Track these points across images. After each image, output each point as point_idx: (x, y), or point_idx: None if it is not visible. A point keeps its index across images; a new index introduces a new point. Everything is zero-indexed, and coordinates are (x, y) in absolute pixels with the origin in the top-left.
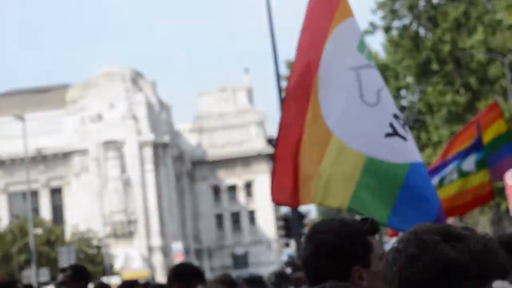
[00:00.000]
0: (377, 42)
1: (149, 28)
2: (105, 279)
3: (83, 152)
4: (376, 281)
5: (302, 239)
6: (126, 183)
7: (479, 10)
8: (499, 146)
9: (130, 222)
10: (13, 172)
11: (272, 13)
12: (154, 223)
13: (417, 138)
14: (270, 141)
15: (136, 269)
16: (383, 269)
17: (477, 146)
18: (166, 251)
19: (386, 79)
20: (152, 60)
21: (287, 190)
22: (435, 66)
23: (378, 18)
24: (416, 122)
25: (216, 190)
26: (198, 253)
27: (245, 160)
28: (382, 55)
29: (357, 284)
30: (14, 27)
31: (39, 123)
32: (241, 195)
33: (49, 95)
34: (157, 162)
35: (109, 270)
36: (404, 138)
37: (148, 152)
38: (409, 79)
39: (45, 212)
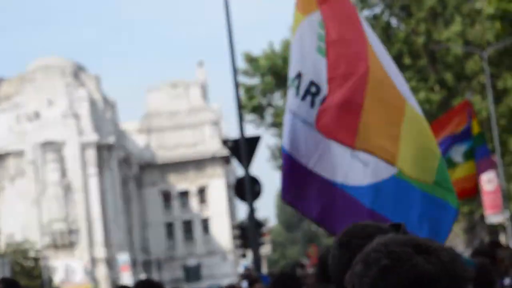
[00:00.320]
0: None
1: (92, 17)
2: None
3: (19, 154)
4: None
5: (260, 249)
6: (67, 189)
7: None
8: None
9: (71, 231)
10: None
11: (228, 0)
12: (97, 232)
13: None
14: (225, 142)
15: (77, 283)
16: (348, 280)
17: (465, 134)
18: (111, 263)
19: None
20: (96, 53)
21: (342, 126)
22: (407, 60)
23: None
24: None
25: (166, 196)
26: (146, 265)
27: (199, 163)
28: None
29: None
30: None
31: None
32: (193, 202)
33: None
34: (101, 166)
35: (47, 284)
36: None
37: (91, 154)
38: None
39: None
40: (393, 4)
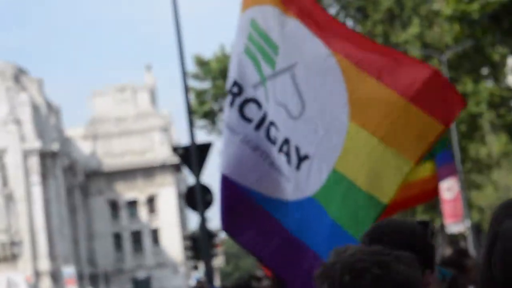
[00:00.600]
0: None
1: (34, 17)
2: None
3: None
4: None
5: (213, 261)
6: (8, 198)
7: None
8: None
9: (14, 243)
10: None
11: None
12: (41, 244)
13: None
14: (175, 149)
15: None
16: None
17: None
18: (56, 276)
19: None
20: (38, 55)
21: None
22: None
23: None
24: None
25: (114, 206)
26: (93, 278)
27: (147, 171)
28: None
29: None
30: None
31: None
32: (142, 212)
33: None
34: (45, 174)
35: None
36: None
37: (34, 162)
38: None
39: None
40: (349, 5)
